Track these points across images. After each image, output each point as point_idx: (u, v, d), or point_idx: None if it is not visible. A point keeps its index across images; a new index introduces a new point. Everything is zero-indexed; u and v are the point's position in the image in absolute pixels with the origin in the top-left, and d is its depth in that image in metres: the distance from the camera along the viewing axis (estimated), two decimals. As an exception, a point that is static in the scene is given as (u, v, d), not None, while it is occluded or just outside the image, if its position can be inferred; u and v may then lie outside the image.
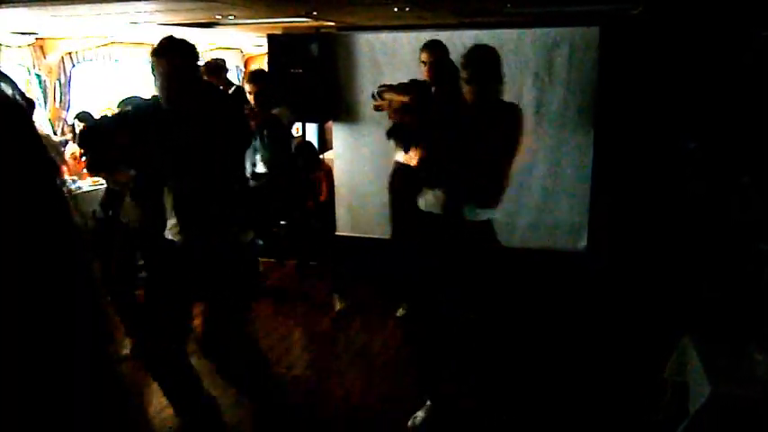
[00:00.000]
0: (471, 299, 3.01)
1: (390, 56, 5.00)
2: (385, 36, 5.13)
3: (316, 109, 5.08)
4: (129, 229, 3.50)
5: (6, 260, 1.11)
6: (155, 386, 2.85)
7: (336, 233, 5.42)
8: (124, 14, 4.58)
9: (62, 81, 6.13)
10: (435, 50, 3.79)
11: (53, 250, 1.19)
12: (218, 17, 5.05)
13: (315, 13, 4.95)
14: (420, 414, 3.13)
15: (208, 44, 7.89)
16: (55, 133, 5.99)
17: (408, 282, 3.97)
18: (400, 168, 4.00)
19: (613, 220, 4.65)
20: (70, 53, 6.19)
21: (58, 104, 6.11)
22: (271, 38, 5.10)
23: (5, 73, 1.73)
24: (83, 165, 4.68)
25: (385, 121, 3.39)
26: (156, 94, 2.53)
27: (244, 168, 2.98)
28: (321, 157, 6.18)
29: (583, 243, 4.86)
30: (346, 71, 5.12)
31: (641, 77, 4.52)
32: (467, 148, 2.78)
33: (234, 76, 8.34)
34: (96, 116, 5.25)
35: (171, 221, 2.66)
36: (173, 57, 2.47)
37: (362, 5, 4.78)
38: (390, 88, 3.32)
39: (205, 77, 4.39)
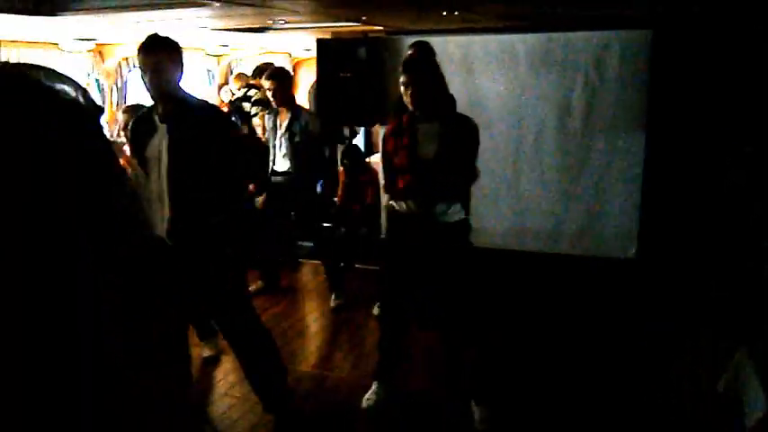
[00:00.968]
0: (444, 297, 3.16)
1: (439, 60, 4.98)
2: (434, 40, 5.13)
3: (364, 113, 5.12)
4: None
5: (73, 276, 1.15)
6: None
7: (381, 237, 5.44)
8: (179, 20, 4.71)
9: (119, 85, 6.34)
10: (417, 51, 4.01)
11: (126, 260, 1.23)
12: (269, 22, 5.14)
13: (364, 18, 4.99)
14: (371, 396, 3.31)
15: (258, 48, 8.02)
16: (111, 135, 6.19)
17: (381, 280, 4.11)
18: None
19: (666, 227, 4.54)
20: (126, 58, 6.39)
21: (115, 107, 6.31)
22: (320, 42, 5.16)
23: (74, 79, 1.82)
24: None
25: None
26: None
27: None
28: (367, 160, 6.22)
29: (633, 251, 4.76)
30: (395, 75, 5.13)
31: (695, 80, 4.40)
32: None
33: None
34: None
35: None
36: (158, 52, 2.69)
37: (411, 10, 4.80)
38: None
39: (266, 83, 4.50)
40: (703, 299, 3.47)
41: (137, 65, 6.43)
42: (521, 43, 5.01)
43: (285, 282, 5.25)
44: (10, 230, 1.18)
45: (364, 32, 5.96)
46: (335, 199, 6.03)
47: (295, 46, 8.66)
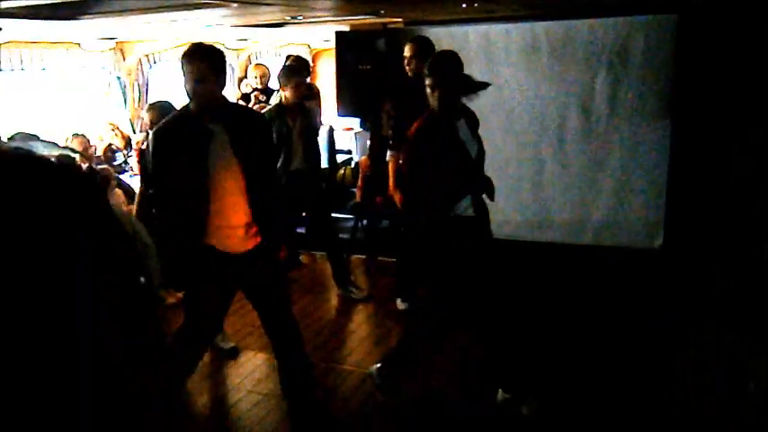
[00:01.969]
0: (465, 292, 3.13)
1: (459, 50, 4.92)
2: (454, 30, 5.09)
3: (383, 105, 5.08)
4: None
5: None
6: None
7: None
8: (198, 20, 4.72)
9: (140, 82, 6.38)
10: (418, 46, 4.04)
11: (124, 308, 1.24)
12: (287, 18, 5.12)
13: (382, 11, 4.96)
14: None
15: (277, 40, 8.01)
16: (134, 131, 6.26)
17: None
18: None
19: (693, 217, 4.46)
20: (147, 55, 6.43)
21: (137, 104, 6.36)
22: (338, 34, 5.14)
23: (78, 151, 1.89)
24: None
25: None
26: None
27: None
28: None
29: (659, 241, 4.69)
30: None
31: (721, 65, 4.30)
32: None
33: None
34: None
35: None
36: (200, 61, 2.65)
37: (430, 0, 4.75)
38: None
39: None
40: (708, 289, 3.41)
41: (157, 61, 6.54)
42: (542, 31, 4.95)
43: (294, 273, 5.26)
44: (10, 230, 1.20)
45: (383, 24, 5.92)
46: (354, 190, 6.01)
47: (314, 37, 8.64)
